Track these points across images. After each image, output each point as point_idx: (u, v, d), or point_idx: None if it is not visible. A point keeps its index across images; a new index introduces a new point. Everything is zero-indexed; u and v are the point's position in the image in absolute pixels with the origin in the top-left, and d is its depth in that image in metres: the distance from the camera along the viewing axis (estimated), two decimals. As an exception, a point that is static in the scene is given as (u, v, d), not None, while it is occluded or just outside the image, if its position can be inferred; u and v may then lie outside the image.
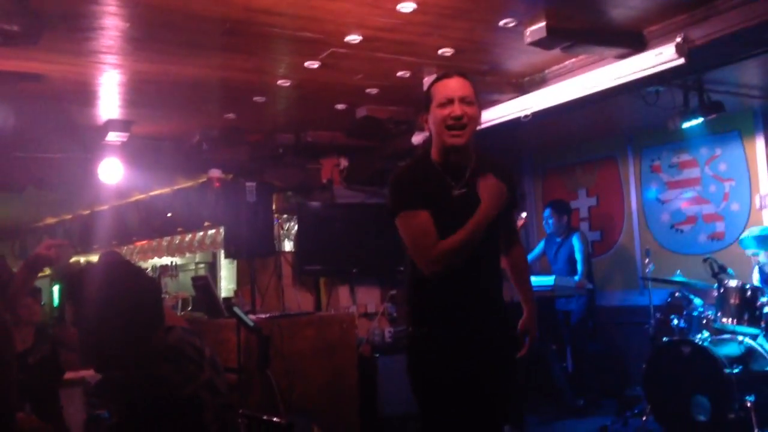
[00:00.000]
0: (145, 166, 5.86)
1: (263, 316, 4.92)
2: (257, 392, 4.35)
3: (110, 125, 5.26)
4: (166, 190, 7.02)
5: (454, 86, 2.49)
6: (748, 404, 4.17)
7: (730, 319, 4.60)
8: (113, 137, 5.31)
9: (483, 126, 5.40)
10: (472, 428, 2.44)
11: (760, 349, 4.54)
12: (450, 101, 2.47)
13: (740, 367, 4.39)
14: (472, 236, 2.40)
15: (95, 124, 5.34)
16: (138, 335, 1.79)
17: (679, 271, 5.14)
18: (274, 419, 2.40)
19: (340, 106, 5.33)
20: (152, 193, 7.24)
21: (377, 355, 5.68)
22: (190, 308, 6.22)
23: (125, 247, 7.95)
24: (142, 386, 1.72)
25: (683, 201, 6.16)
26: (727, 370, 4.31)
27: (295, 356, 4.64)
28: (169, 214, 6.94)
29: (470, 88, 2.50)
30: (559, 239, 6.17)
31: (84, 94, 4.64)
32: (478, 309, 2.49)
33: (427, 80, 4.80)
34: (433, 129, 2.52)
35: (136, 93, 4.72)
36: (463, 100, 2.47)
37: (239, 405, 3.80)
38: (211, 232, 6.87)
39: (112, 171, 5.50)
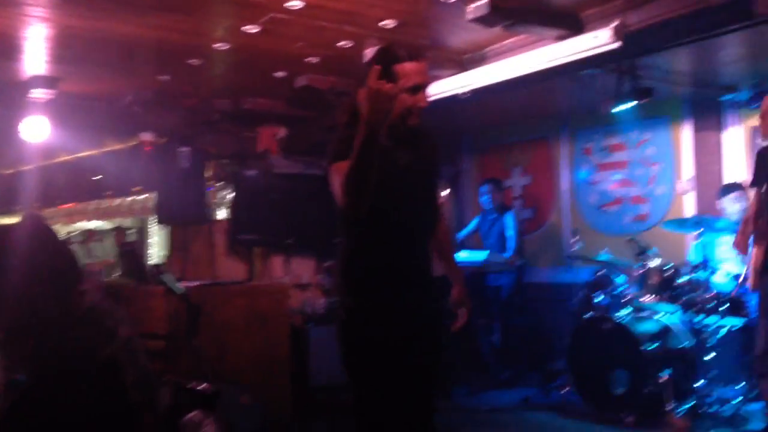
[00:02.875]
0: (73, 125, 5.64)
1: (194, 284, 4.84)
2: (185, 361, 4.28)
3: (35, 81, 5.02)
4: (95, 151, 6.78)
5: (425, 72, 2.47)
6: (664, 379, 4.36)
7: (650, 297, 4.79)
8: (38, 94, 5.07)
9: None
10: (402, 397, 2.50)
11: (676, 326, 4.75)
12: (420, 88, 2.45)
13: (657, 343, 4.59)
14: (360, 154, 2.28)
15: (18, 80, 5.09)
16: (55, 297, 1.74)
17: (605, 250, 5.31)
18: (200, 387, 2.38)
19: (279, 74, 5.23)
20: (80, 155, 6.98)
21: (309, 325, 5.68)
22: (118, 274, 6.06)
23: (51, 209, 7.66)
24: (58, 349, 1.68)
25: (611, 183, 6.35)
26: (644, 347, 4.50)
27: (225, 325, 4.58)
28: (97, 177, 6.72)
29: (425, 68, 2.50)
30: (493, 216, 6.28)
31: (6, 47, 4.41)
32: (408, 281, 2.53)
33: (369, 51, 4.76)
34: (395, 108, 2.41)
35: (65, 48, 4.51)
36: (427, 81, 2.49)
37: (166, 373, 3.75)
38: (141, 197, 6.69)
39: (36, 129, 5.28)
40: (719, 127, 5.73)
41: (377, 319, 2.46)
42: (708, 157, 5.71)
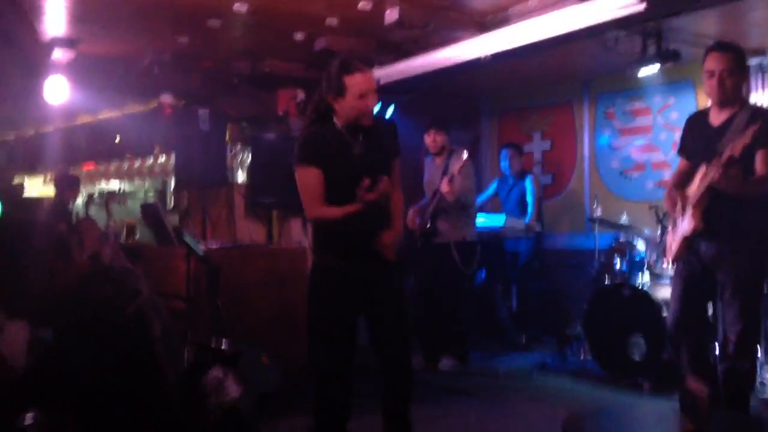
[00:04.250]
0: (93, 86, 5.65)
1: (213, 246, 4.89)
2: (205, 321, 4.35)
3: (55, 42, 5.02)
4: (115, 113, 6.80)
5: (370, 79, 3.02)
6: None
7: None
8: (59, 55, 5.07)
9: (443, 65, 5.41)
10: (339, 341, 3.06)
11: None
12: (367, 94, 2.98)
13: (676, 310, 4.57)
14: (340, 220, 2.97)
15: (40, 41, 5.10)
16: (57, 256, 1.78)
17: (625, 216, 5.27)
18: (222, 347, 2.41)
19: (298, 36, 5.19)
20: (100, 116, 7.01)
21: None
22: (137, 236, 6.13)
23: (72, 170, 7.73)
24: (86, 309, 1.71)
25: (634, 148, 6.27)
26: (664, 314, 4.49)
27: (245, 287, 4.64)
28: (117, 139, 6.76)
29: (373, 80, 3.05)
30: (512, 180, 6.25)
31: (26, 8, 4.41)
32: (363, 244, 3.01)
33: (389, 13, 4.71)
34: (348, 112, 3.01)
35: (84, 9, 4.50)
36: (374, 91, 3.02)
37: (187, 332, 3.81)
38: (161, 159, 6.73)
39: (57, 90, 5.29)
40: (745, 90, 5.61)
41: (328, 276, 3.06)
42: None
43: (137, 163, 7.04)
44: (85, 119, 7.18)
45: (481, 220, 5.81)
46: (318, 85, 3.22)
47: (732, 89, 3.36)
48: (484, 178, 7.11)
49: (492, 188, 6.45)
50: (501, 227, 5.91)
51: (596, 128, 6.56)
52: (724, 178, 3.15)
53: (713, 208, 3.30)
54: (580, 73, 6.41)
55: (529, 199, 6.09)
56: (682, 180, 3.59)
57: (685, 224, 3.40)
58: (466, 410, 4.23)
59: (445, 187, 4.99)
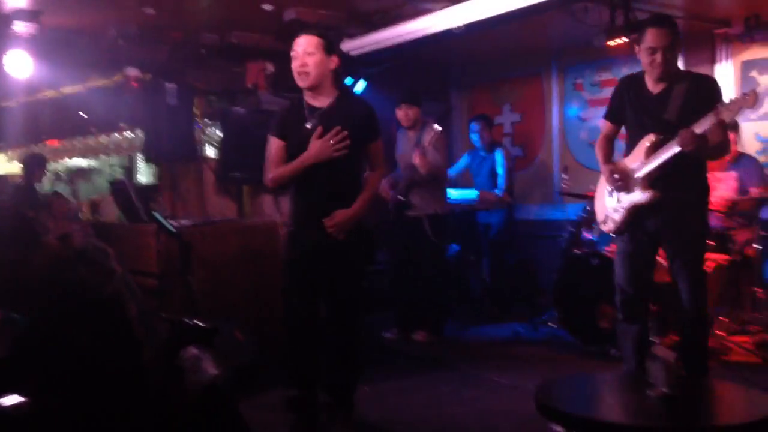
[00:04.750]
0: (57, 61, 5.50)
1: (184, 222, 4.84)
2: (177, 299, 4.32)
3: (17, 14, 4.87)
4: (79, 87, 6.65)
5: (302, 42, 3.24)
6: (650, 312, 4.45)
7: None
8: (20, 27, 4.93)
9: (415, 37, 5.38)
10: (300, 301, 3.37)
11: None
12: (296, 56, 3.24)
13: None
14: (292, 174, 3.26)
15: (0, 13, 4.94)
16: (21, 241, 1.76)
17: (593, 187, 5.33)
18: (198, 323, 2.40)
19: (267, 7, 5.11)
20: (64, 91, 6.85)
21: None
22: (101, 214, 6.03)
23: (36, 146, 7.56)
24: (61, 293, 1.68)
25: (602, 119, 6.32)
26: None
27: (217, 263, 4.61)
28: (82, 114, 6.61)
29: (312, 42, 3.22)
30: (483, 153, 6.27)
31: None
32: (318, 215, 3.24)
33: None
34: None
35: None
36: (306, 53, 3.21)
37: (160, 310, 3.78)
38: (128, 134, 6.61)
39: (20, 64, 5.15)
40: (712, 61, 5.69)
41: (292, 243, 3.38)
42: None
43: (103, 139, 6.90)
44: (48, 94, 7.01)
45: (454, 193, 5.84)
46: (289, 56, 3.28)
47: (673, 63, 3.42)
48: (455, 151, 7.13)
49: (463, 161, 6.47)
50: (474, 199, 5.95)
51: (565, 100, 6.60)
52: (697, 147, 3.21)
53: (665, 179, 3.37)
54: (549, 44, 6.43)
55: (500, 171, 6.13)
56: (610, 145, 3.68)
57: (636, 195, 3.45)
58: (440, 381, 4.29)
59: (417, 160, 5.00)
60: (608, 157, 3.66)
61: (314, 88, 3.26)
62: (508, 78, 7.00)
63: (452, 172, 6.31)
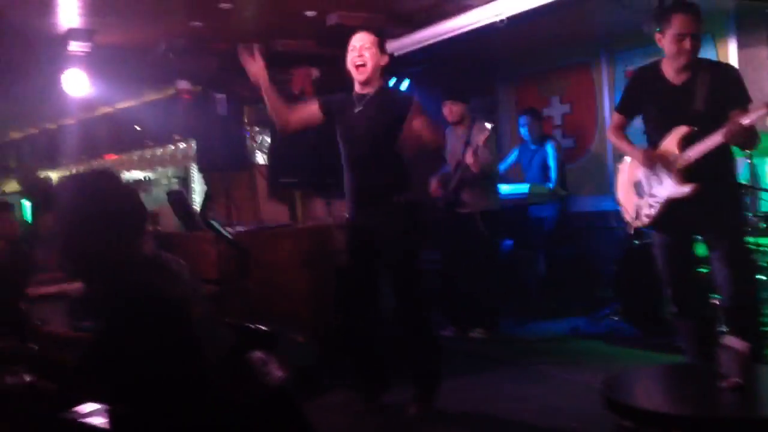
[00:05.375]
0: (111, 77, 5.67)
1: (240, 228, 4.92)
2: (236, 304, 4.40)
3: (71, 34, 5.04)
4: (133, 102, 6.84)
5: (357, 38, 3.59)
6: (716, 301, 4.33)
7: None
8: (75, 47, 5.09)
9: (457, 33, 5.36)
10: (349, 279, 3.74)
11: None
12: (352, 50, 3.59)
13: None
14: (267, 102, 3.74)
15: (56, 33, 5.12)
16: (118, 241, 1.80)
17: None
18: (259, 327, 2.45)
19: (309, 13, 5.16)
20: (119, 106, 7.05)
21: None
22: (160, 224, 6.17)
23: (94, 162, 7.80)
24: (130, 292, 1.73)
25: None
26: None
27: (273, 268, 4.67)
28: (137, 127, 6.79)
29: (370, 39, 3.57)
30: (533, 147, 6.20)
31: (41, 1, 4.43)
32: (361, 200, 3.62)
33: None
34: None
35: None
36: (364, 48, 3.56)
37: (220, 315, 3.85)
38: (182, 145, 6.76)
39: (76, 82, 5.33)
40: (765, 41, 5.49)
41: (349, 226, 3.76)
42: (755, 74, 5.49)
43: (158, 151, 7.08)
44: (104, 110, 7.23)
45: (505, 188, 5.79)
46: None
47: (698, 51, 3.34)
48: (503, 145, 7.06)
49: (513, 156, 6.41)
50: (526, 193, 5.88)
51: (616, 88, 6.46)
52: (744, 139, 3.18)
53: (700, 170, 3.29)
54: (597, 32, 6.31)
55: (551, 164, 6.05)
56: (622, 134, 3.62)
57: (673, 188, 3.37)
58: (499, 377, 4.26)
59: (469, 159, 4.97)
60: (631, 142, 3.60)
61: (367, 81, 3.58)
62: (556, 69, 6.90)
63: (502, 167, 6.25)
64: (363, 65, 3.56)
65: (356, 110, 3.60)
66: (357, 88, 3.65)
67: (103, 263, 1.79)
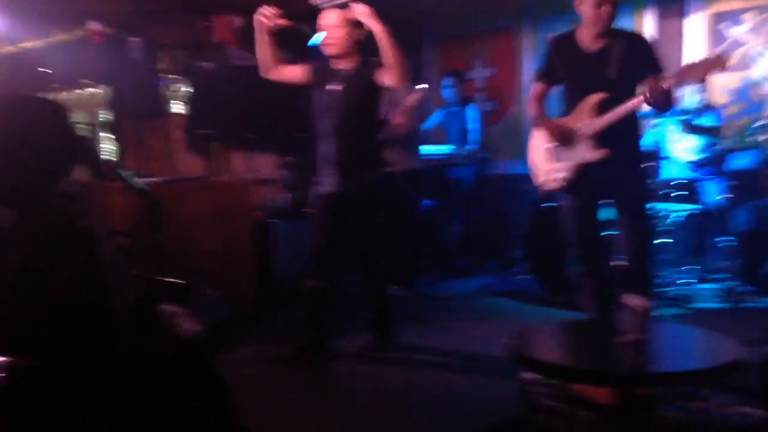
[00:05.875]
0: (16, 14, 5.30)
1: (152, 179, 4.76)
2: (148, 257, 4.28)
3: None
4: (40, 42, 6.42)
5: (325, 15, 3.70)
6: (618, 262, 4.53)
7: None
8: (-25, -21, 4.73)
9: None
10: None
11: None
12: (322, 29, 3.70)
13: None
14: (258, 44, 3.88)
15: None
16: (46, 171, 1.72)
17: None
18: (171, 280, 2.39)
19: (232, -42, 4.97)
20: (25, 46, 6.61)
21: (273, 220, 5.68)
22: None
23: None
24: (46, 219, 1.65)
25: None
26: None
27: (188, 221, 4.57)
28: (43, 69, 6.40)
29: (335, 18, 3.65)
30: (455, 109, 6.25)
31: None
32: (346, 168, 3.71)
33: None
34: None
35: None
36: (331, 27, 3.66)
37: (131, 268, 3.74)
38: (92, 90, 6.42)
39: (-25, 18, 4.95)
40: (681, 13, 5.70)
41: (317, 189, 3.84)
42: (669, 45, 5.70)
43: (66, 95, 6.70)
44: (7, 49, 6.77)
45: (426, 148, 5.83)
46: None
47: (614, 18, 3.43)
48: (425, 106, 7.08)
49: (435, 117, 6.45)
50: (447, 155, 5.94)
51: (537, 54, 6.56)
52: (662, 101, 3.28)
53: (610, 136, 3.41)
54: (521, -2, 6.37)
55: (473, 126, 6.12)
56: (542, 105, 3.71)
57: (584, 153, 3.49)
58: (413, 334, 4.33)
59: (399, 119, 4.98)
60: (544, 115, 3.68)
61: (340, 56, 3.70)
62: (480, 32, 6.94)
63: (424, 127, 6.29)
64: (331, 44, 3.67)
65: (338, 86, 3.68)
66: (333, 62, 3.72)
67: (26, 192, 1.69)
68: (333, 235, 3.79)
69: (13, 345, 1.65)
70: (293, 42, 6.23)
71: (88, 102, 6.60)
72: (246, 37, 6.11)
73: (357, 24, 3.65)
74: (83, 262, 1.66)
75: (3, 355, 1.64)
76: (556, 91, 3.79)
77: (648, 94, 3.26)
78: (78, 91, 6.58)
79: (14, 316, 1.65)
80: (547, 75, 3.69)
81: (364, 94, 3.67)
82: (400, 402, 3.22)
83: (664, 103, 3.34)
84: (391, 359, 3.86)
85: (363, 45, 3.73)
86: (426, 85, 5.08)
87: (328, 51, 3.70)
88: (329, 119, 3.70)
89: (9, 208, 1.73)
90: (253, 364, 3.78)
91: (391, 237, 5.31)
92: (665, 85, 3.24)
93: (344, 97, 3.66)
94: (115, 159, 5.47)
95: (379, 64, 3.61)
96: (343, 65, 3.71)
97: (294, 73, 3.82)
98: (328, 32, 3.68)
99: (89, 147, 4.72)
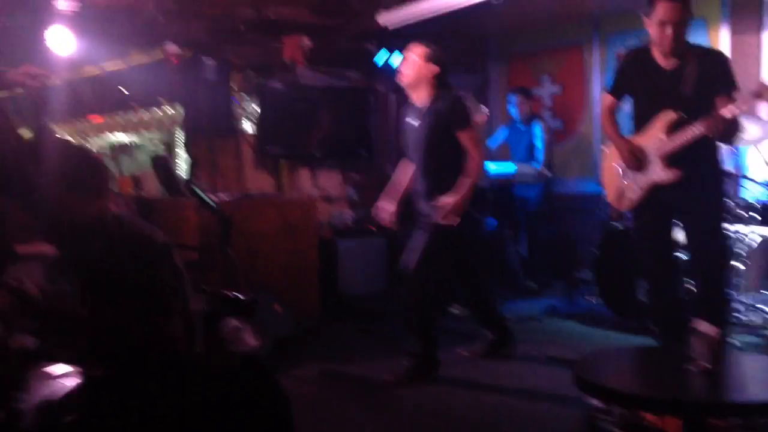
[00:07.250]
0: (98, 37, 5.58)
1: (223, 196, 4.90)
2: (217, 271, 4.40)
3: (58, -8, 4.95)
4: (120, 64, 6.74)
5: (408, 47, 3.85)
6: (689, 287, 4.38)
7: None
8: (63, 5, 5.00)
9: (452, 8, 5.31)
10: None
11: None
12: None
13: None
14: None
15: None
16: (80, 203, 1.81)
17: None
18: (238, 295, 2.45)
19: (303, -20, 5.09)
20: (107, 68, 6.94)
21: (337, 238, 5.76)
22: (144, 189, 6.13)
23: (79, 123, 7.70)
24: (119, 239, 1.74)
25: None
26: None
27: (255, 237, 4.68)
28: (123, 90, 6.70)
29: (412, 52, 3.79)
30: (521, 126, 6.19)
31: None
32: (422, 193, 3.89)
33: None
34: None
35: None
36: (406, 61, 3.83)
37: (200, 282, 3.85)
38: (168, 110, 6.67)
39: (62, 40, 5.23)
40: (758, 28, 5.50)
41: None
42: (746, 60, 5.51)
43: (144, 115, 6.99)
44: (90, 71, 7.11)
45: (492, 167, 5.79)
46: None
47: (683, 39, 3.34)
48: (492, 123, 7.05)
49: (501, 134, 6.40)
50: (512, 173, 5.89)
51: (607, 70, 6.45)
52: (718, 129, 3.18)
53: (685, 156, 3.30)
54: (590, 13, 6.28)
55: (538, 144, 6.05)
56: (615, 118, 3.62)
57: (656, 172, 3.40)
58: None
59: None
60: (619, 131, 3.61)
61: (411, 89, 3.83)
62: (548, 49, 6.87)
63: (490, 145, 6.25)
64: (404, 76, 3.84)
65: (416, 123, 3.83)
66: (408, 93, 3.89)
67: (68, 226, 1.78)
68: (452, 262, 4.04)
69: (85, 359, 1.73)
70: (360, 61, 6.35)
71: (163, 121, 6.86)
72: (314, 57, 6.27)
73: (432, 58, 3.75)
74: (144, 289, 1.73)
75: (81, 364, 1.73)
76: (626, 107, 3.73)
77: (709, 126, 3.17)
78: (155, 110, 6.86)
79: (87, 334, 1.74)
80: (617, 88, 3.63)
81: (439, 131, 3.75)
82: (458, 425, 3.19)
83: (726, 134, 3.23)
84: (453, 381, 3.83)
85: (440, 78, 3.80)
86: (486, 109, 5.09)
87: (401, 81, 3.87)
88: (414, 153, 3.89)
89: (56, 243, 1.85)
90: (316, 380, 3.82)
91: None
92: (727, 115, 3.14)
93: (422, 133, 3.79)
94: (188, 176, 5.65)
95: (456, 96, 3.76)
96: (416, 97, 3.85)
97: None
98: (404, 64, 3.84)
99: (164, 164, 4.90)
